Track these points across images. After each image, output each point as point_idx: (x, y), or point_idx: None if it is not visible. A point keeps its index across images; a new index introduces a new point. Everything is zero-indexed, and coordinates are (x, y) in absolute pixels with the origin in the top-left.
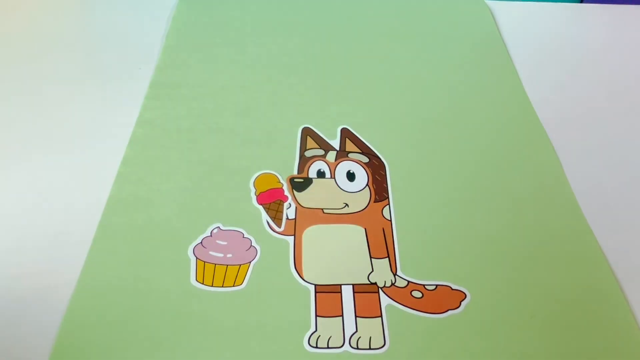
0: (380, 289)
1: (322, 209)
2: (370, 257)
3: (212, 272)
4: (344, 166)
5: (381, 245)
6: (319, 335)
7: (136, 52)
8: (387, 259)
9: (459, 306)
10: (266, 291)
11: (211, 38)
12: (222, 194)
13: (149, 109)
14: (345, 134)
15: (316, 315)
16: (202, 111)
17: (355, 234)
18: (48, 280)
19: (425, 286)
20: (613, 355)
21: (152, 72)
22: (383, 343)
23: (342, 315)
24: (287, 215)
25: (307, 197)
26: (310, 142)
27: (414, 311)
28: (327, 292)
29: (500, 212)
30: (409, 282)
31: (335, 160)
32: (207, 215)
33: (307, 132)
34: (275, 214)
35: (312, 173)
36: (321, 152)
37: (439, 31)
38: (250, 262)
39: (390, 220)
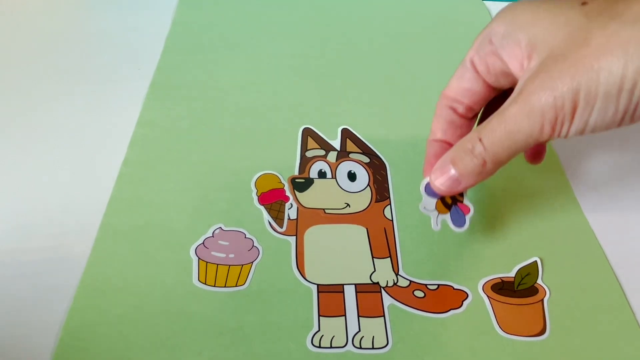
0: (382, 289)
1: (323, 209)
2: (372, 257)
3: (214, 272)
4: (345, 166)
5: (383, 245)
6: (322, 335)
7: (136, 52)
8: (389, 258)
9: (461, 306)
10: (269, 291)
11: (211, 39)
12: (224, 194)
13: (150, 110)
14: (346, 134)
15: (319, 315)
16: (203, 112)
17: (357, 234)
18: (50, 281)
19: (427, 286)
20: None
21: (153, 72)
22: (386, 342)
23: (345, 315)
24: (288, 215)
25: (308, 197)
26: (311, 143)
27: (417, 311)
28: (330, 292)
29: (502, 212)
30: (411, 281)
31: (336, 160)
32: (208, 216)
33: (307, 133)
34: (277, 214)
35: (313, 173)
36: (322, 152)
37: (437, 32)
38: (252, 262)
39: (392, 220)
